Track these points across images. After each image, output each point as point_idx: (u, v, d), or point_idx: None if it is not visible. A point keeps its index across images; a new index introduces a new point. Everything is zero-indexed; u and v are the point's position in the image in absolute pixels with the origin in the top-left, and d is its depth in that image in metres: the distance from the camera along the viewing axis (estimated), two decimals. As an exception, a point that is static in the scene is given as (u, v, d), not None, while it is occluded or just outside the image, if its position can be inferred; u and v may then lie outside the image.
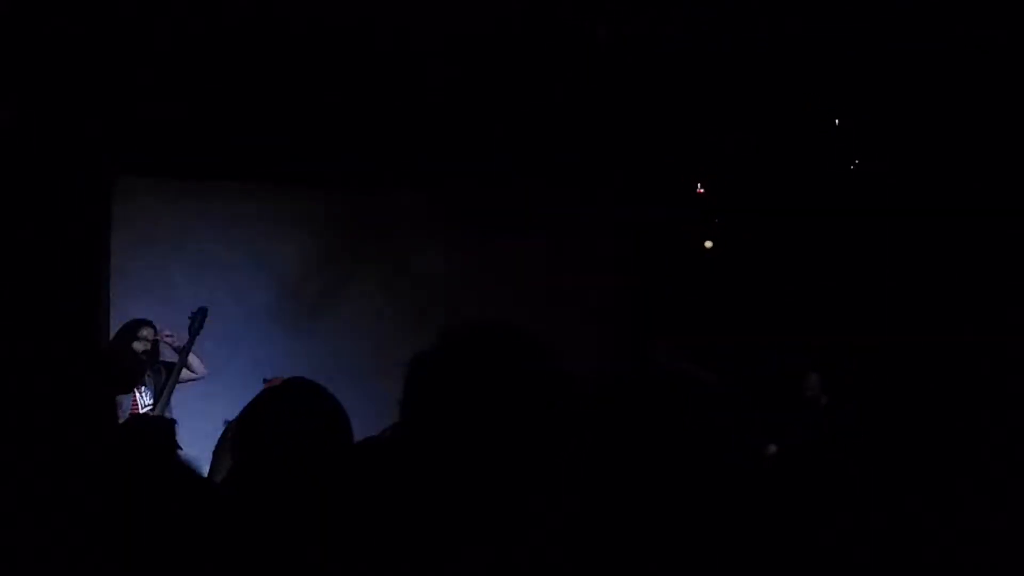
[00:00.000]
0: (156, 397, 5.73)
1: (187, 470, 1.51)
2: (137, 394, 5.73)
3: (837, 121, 6.71)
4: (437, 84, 6.59)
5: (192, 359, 5.88)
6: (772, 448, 5.07)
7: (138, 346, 5.81)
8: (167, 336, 5.88)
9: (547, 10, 6.02)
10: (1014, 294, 5.62)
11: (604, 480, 1.59)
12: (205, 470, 2.86)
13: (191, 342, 5.83)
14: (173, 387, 5.74)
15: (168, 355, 5.95)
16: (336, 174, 7.14)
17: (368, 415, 2.69)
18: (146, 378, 5.80)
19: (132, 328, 5.92)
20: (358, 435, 2.42)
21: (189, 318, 5.89)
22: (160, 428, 4.29)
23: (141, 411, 5.65)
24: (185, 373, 5.85)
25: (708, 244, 7.57)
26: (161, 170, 6.93)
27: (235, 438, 2.07)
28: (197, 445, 5.49)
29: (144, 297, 6.63)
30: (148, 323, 5.92)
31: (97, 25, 5.83)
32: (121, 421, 4.74)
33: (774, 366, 6.30)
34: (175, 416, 5.54)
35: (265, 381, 5.50)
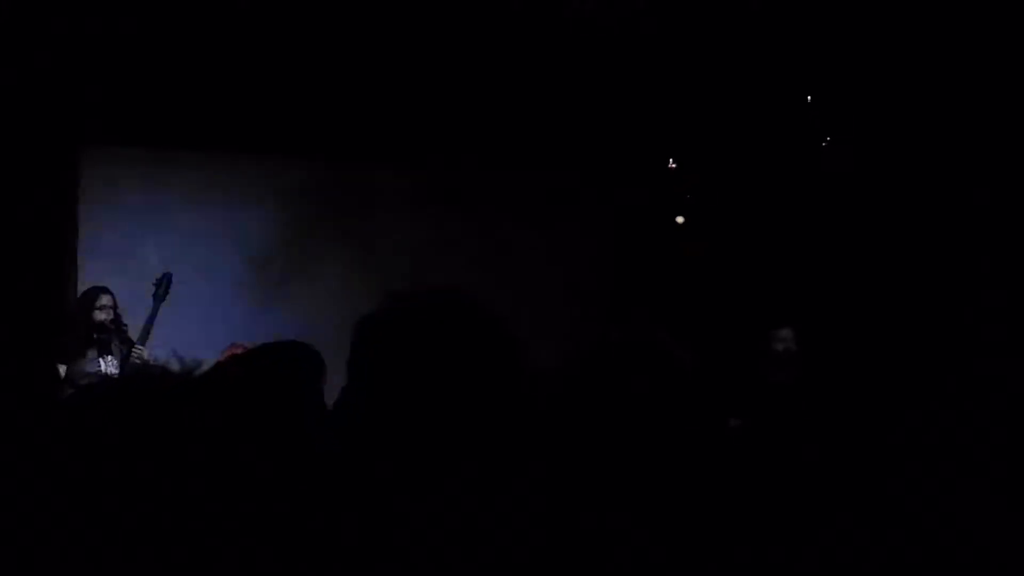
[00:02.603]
0: (122, 365, 5.67)
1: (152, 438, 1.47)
2: (102, 363, 5.68)
3: (809, 98, 6.70)
4: (416, 63, 6.54)
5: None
6: (735, 422, 5.08)
7: (99, 315, 5.72)
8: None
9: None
10: (1003, 292, 5.64)
11: (575, 461, 1.57)
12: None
13: (156, 309, 5.76)
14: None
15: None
16: (309, 147, 7.08)
17: (336, 390, 2.67)
18: (112, 347, 5.74)
19: (91, 296, 5.84)
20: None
21: (153, 284, 5.83)
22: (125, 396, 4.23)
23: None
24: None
25: (679, 220, 7.58)
26: (130, 139, 6.84)
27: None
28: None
29: (112, 268, 6.55)
30: (105, 290, 5.85)
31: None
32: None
33: (744, 330, 6.30)
34: None
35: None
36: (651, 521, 1.56)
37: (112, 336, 5.74)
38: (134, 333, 5.74)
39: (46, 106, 6.31)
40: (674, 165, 7.46)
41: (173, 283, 5.90)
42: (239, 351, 5.01)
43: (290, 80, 6.61)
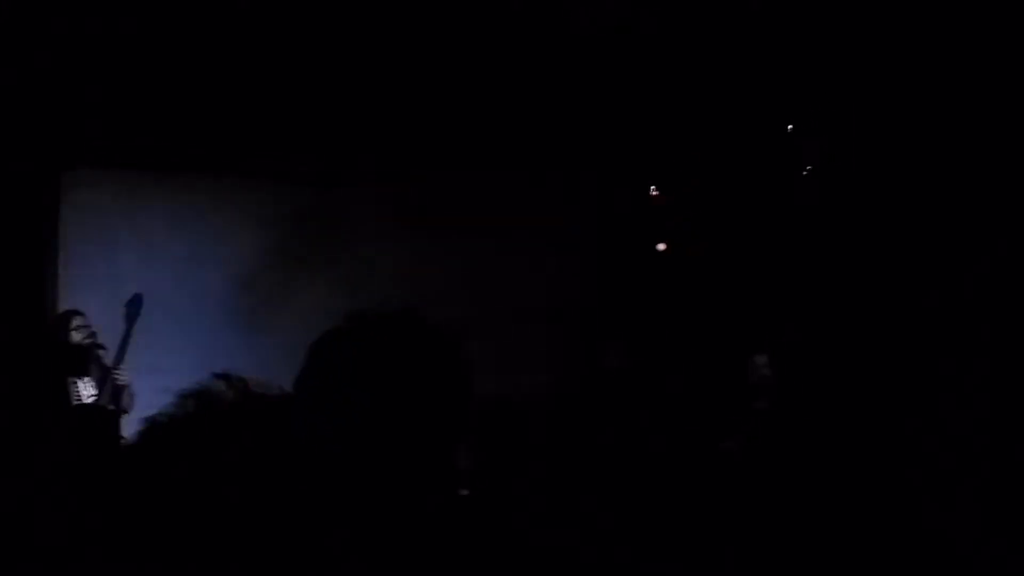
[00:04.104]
0: (100, 386, 5.64)
1: (131, 460, 1.48)
2: (80, 384, 5.65)
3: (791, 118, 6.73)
4: (396, 79, 6.56)
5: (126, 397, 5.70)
6: (729, 443, 5.09)
7: (76, 336, 5.72)
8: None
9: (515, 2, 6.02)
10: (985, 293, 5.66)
11: (560, 487, 1.57)
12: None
13: (129, 331, 5.74)
14: (116, 377, 5.66)
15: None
16: (291, 168, 7.08)
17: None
18: (89, 369, 5.72)
19: (64, 320, 5.84)
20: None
21: (124, 306, 5.81)
22: (103, 419, 4.23)
23: (86, 401, 5.57)
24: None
25: (661, 247, 7.62)
26: (111, 161, 6.83)
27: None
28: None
29: (92, 289, 6.53)
30: (78, 312, 5.85)
31: (48, 17, 5.75)
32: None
33: (721, 357, 6.34)
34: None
35: (216, 376, 5.45)
36: (641, 535, 1.57)
37: (89, 358, 5.72)
38: (110, 357, 5.72)
39: (28, 127, 6.30)
40: (656, 192, 7.50)
41: (156, 306, 5.87)
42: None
43: (272, 104, 6.62)
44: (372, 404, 1.45)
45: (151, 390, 5.91)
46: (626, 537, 1.48)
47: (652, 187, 7.55)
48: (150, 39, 6.05)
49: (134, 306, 5.83)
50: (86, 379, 5.69)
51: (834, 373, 6.10)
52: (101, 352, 5.79)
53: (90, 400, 5.60)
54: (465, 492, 1.59)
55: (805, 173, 6.87)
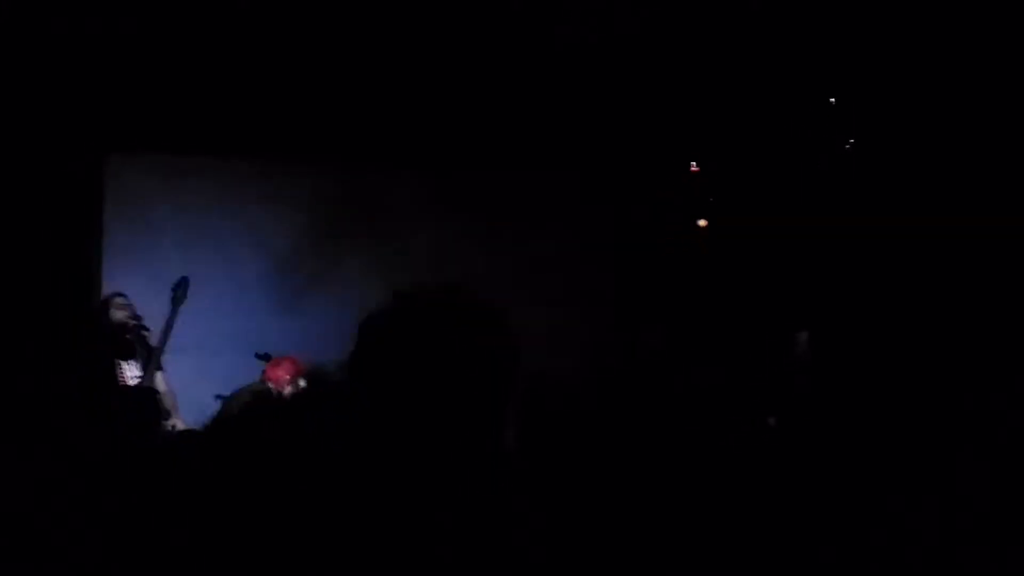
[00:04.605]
0: (144, 368, 5.70)
1: (171, 441, 1.51)
2: (125, 366, 5.71)
3: (832, 100, 6.69)
4: (433, 69, 6.58)
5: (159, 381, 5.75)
6: (772, 421, 5.06)
7: (119, 315, 5.77)
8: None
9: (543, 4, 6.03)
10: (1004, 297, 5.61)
11: (594, 478, 1.57)
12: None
13: (174, 313, 5.78)
14: (159, 360, 5.72)
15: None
16: (330, 153, 7.12)
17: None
18: (135, 351, 5.78)
19: (108, 302, 5.90)
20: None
21: (172, 289, 5.85)
22: (149, 400, 4.29)
23: (130, 383, 5.64)
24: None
25: (702, 223, 7.57)
26: (154, 146, 6.90)
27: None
28: (187, 417, 5.50)
29: (136, 274, 6.61)
30: (120, 294, 5.91)
31: (86, 3, 5.80)
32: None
33: (765, 336, 6.30)
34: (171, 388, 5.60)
35: (257, 356, 5.51)
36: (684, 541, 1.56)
37: (133, 339, 5.78)
38: (154, 338, 5.78)
39: (70, 114, 6.38)
40: (696, 168, 7.46)
41: (197, 288, 5.92)
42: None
43: (310, 87, 6.66)
44: (426, 380, 1.45)
45: (192, 369, 5.99)
46: (664, 523, 1.49)
47: (692, 164, 7.51)
48: (193, 24, 6.09)
49: (181, 289, 5.88)
50: (131, 361, 5.76)
51: (873, 352, 6.05)
52: (145, 333, 5.85)
53: (135, 381, 5.67)
54: (513, 472, 1.59)
55: (847, 147, 6.81)
